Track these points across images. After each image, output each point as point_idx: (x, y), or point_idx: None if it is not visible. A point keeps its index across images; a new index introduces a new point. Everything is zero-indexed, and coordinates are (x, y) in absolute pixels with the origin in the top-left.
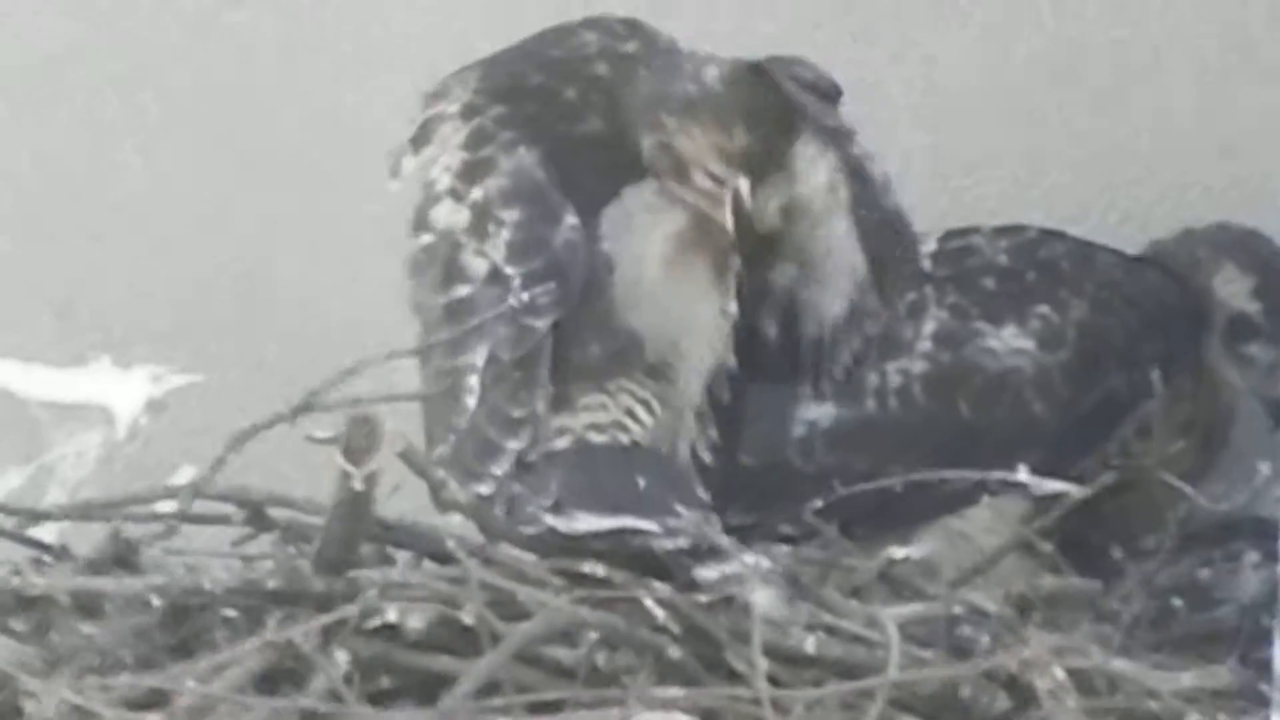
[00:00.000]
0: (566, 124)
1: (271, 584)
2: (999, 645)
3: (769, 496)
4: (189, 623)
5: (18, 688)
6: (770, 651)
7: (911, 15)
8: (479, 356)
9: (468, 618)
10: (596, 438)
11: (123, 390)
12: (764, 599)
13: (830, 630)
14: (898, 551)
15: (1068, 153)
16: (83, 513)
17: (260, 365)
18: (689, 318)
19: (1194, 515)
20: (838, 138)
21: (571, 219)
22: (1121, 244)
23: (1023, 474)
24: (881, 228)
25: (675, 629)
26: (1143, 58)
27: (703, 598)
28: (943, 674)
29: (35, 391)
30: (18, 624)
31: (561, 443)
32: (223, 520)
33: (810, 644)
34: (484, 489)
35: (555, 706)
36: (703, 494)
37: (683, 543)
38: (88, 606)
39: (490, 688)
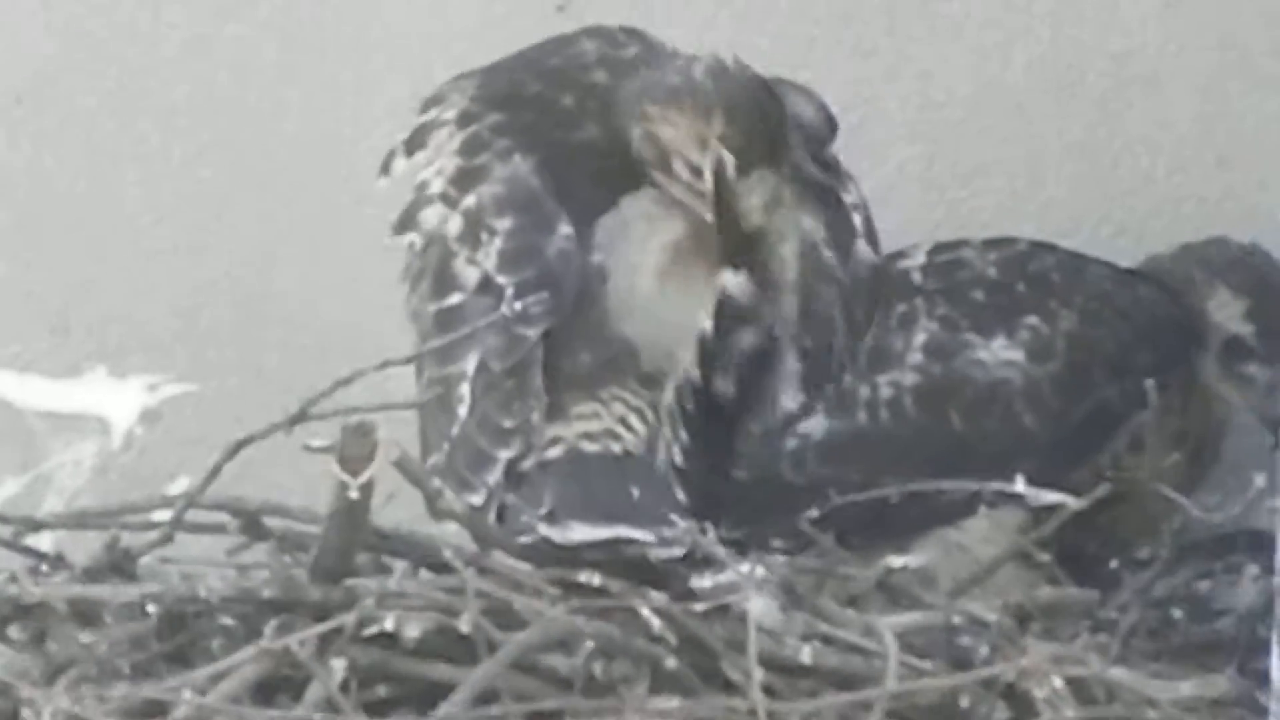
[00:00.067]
0: (563, 132)
1: (267, 593)
2: (997, 655)
3: (760, 510)
4: (185, 631)
5: (15, 696)
6: (766, 661)
7: (907, 29)
8: (470, 365)
9: (464, 626)
10: (589, 447)
11: (118, 400)
12: (760, 608)
13: (827, 640)
14: (895, 561)
15: (1064, 165)
16: (79, 521)
17: (256, 375)
18: (684, 328)
19: (1189, 526)
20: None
21: (566, 228)
22: (1117, 256)
23: (1020, 485)
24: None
25: (671, 639)
26: (1139, 70)
27: (699, 607)
28: (941, 684)
29: (31, 401)
30: (15, 632)
31: (554, 452)
32: (218, 529)
33: (807, 654)
34: (476, 498)
35: (552, 716)
36: (683, 498)
37: (677, 552)
38: (85, 615)
39: (487, 696)
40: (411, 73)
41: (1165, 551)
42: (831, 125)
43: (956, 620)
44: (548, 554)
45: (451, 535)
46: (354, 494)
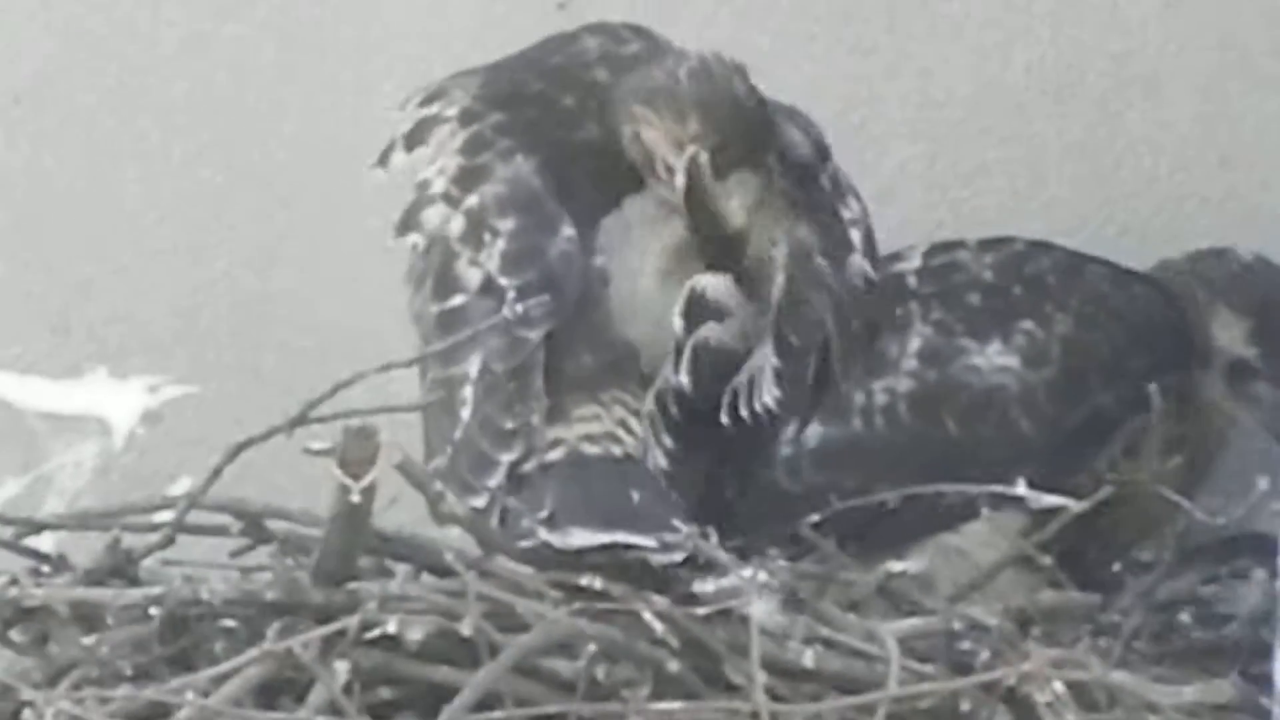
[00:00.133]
0: (565, 131)
1: (270, 595)
2: (998, 659)
3: (755, 518)
4: (187, 634)
5: (17, 699)
6: (769, 665)
7: (908, 28)
8: (472, 367)
9: (466, 630)
10: (590, 449)
11: (119, 401)
12: (762, 612)
13: (829, 644)
14: (896, 565)
15: (1066, 165)
16: (80, 523)
17: (257, 376)
18: None
19: (1192, 529)
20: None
21: (568, 230)
22: (1120, 256)
23: (1021, 488)
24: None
25: (674, 642)
26: (1140, 70)
27: (701, 611)
28: (942, 688)
29: (32, 402)
30: (16, 635)
31: (556, 454)
32: (220, 531)
33: (809, 658)
34: (478, 501)
35: (554, 719)
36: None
37: (678, 557)
38: (86, 617)
39: (490, 700)
40: (411, 72)
41: (1168, 555)
42: (822, 153)
43: (957, 625)
44: (549, 557)
45: (453, 538)
46: (356, 497)
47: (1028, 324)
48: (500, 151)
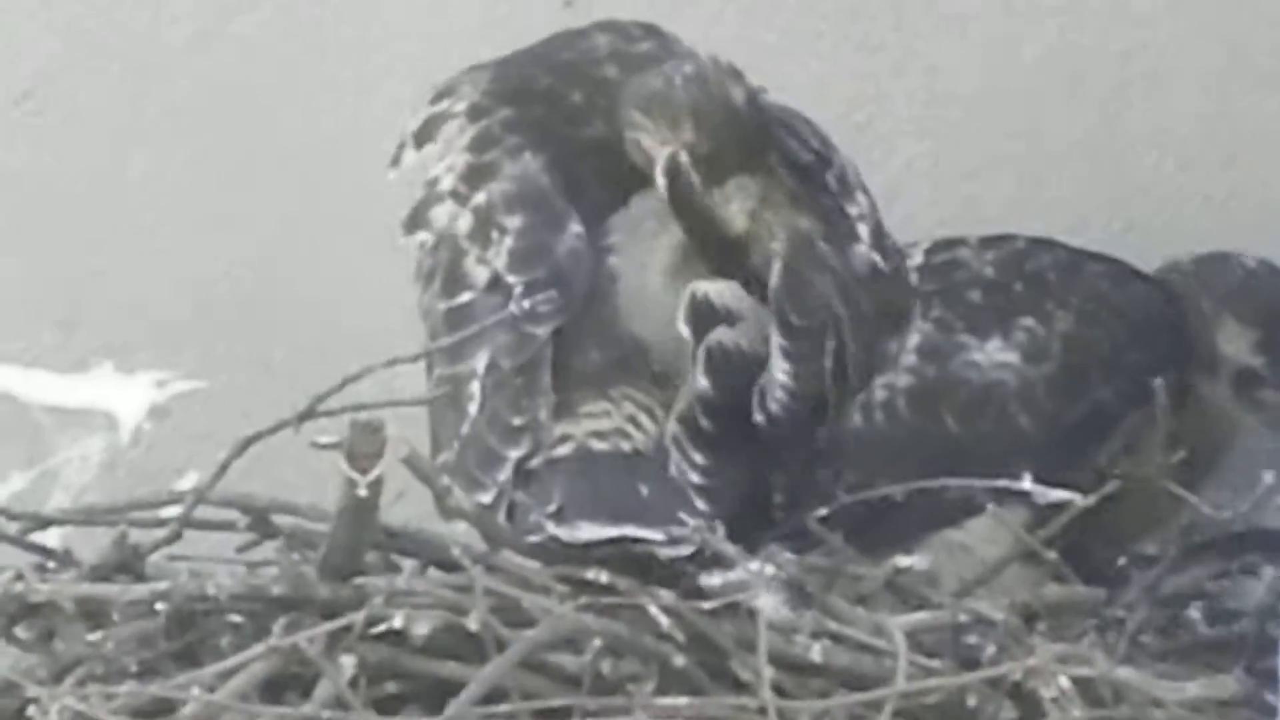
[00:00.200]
0: (573, 128)
1: (276, 590)
2: (1004, 654)
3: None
4: (194, 629)
5: (22, 695)
6: (776, 660)
7: (914, 25)
8: (480, 363)
9: (473, 624)
10: (598, 445)
11: (126, 395)
12: (769, 607)
13: (836, 639)
14: (904, 560)
15: (1070, 162)
16: (87, 518)
17: (264, 371)
18: None
19: (1198, 525)
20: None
21: (576, 227)
22: (1124, 253)
23: (1027, 482)
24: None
25: (680, 637)
26: (1145, 68)
27: (708, 605)
28: (950, 683)
29: (39, 397)
30: (22, 631)
31: (563, 450)
32: (227, 526)
33: (816, 652)
34: (485, 497)
35: (561, 713)
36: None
37: (685, 551)
38: (92, 613)
39: (496, 694)
40: (414, 70)
41: (1173, 550)
42: (825, 155)
43: (964, 619)
44: (556, 552)
45: (460, 533)
46: (363, 491)
47: (1028, 321)
48: (508, 148)
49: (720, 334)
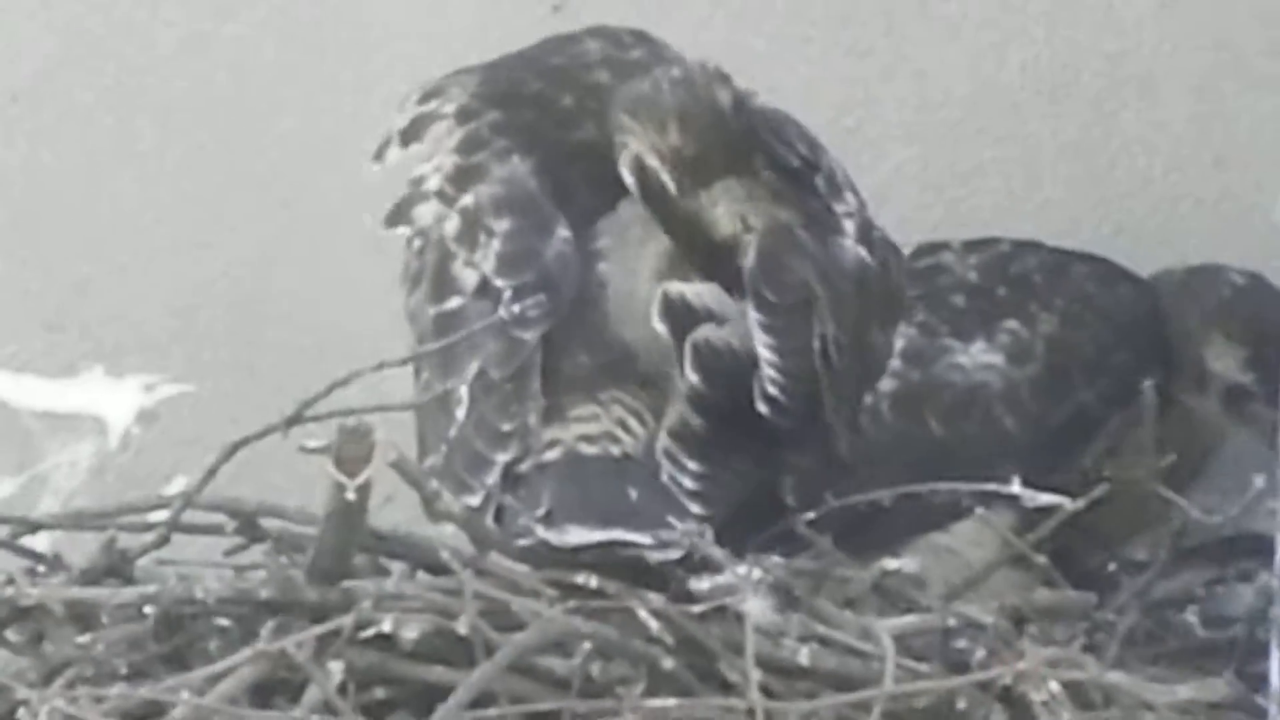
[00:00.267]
0: (562, 132)
1: (265, 594)
2: (994, 658)
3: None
4: (182, 632)
5: (12, 698)
6: (764, 663)
7: (904, 29)
8: (469, 374)
9: (462, 628)
10: (588, 449)
11: (115, 400)
12: (757, 610)
13: (824, 642)
14: (891, 563)
15: (1061, 165)
16: (76, 522)
17: (252, 375)
18: None
19: (1189, 529)
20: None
21: (564, 231)
22: (1114, 256)
23: (1016, 486)
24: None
25: (669, 640)
26: (1134, 70)
27: (696, 609)
28: (938, 686)
29: (27, 401)
30: (11, 634)
31: (552, 454)
32: (215, 530)
33: (804, 655)
34: (473, 500)
35: (550, 717)
36: (698, 510)
37: (675, 554)
38: (82, 616)
39: (485, 698)
40: (410, 72)
41: (1163, 554)
42: (813, 159)
43: (953, 623)
44: (545, 556)
45: (449, 537)
46: (351, 495)
47: (1012, 323)
48: (496, 151)
49: (707, 331)
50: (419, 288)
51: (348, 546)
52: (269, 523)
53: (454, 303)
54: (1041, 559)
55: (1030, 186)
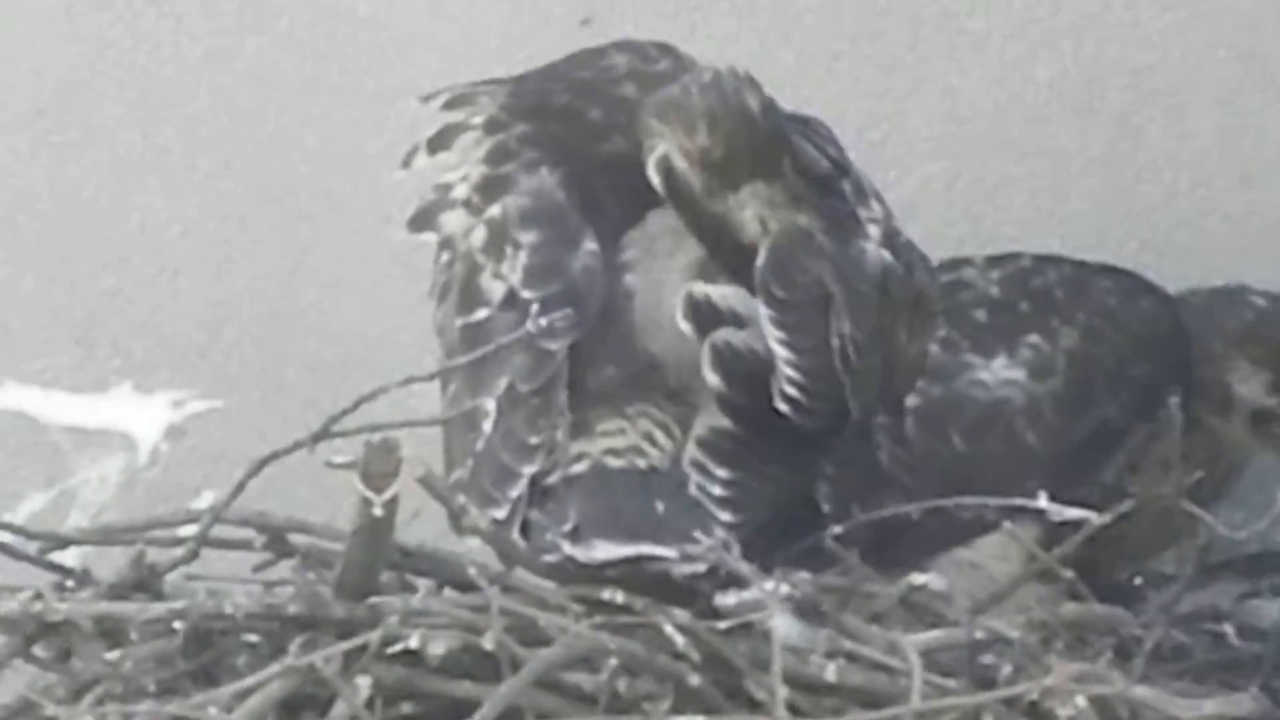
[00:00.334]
0: (590, 144)
1: (293, 609)
2: (1021, 673)
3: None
4: (211, 649)
5: (40, 715)
6: (790, 679)
7: (931, 44)
8: (497, 383)
9: (489, 644)
10: (615, 462)
11: (144, 415)
12: (784, 626)
13: (851, 657)
14: (918, 578)
15: (1087, 180)
16: (104, 537)
17: (280, 390)
18: None
19: (1215, 544)
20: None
21: (591, 244)
22: (1141, 271)
23: (1043, 501)
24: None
25: (695, 656)
26: (1161, 85)
27: (722, 624)
28: (965, 702)
29: (57, 417)
30: (40, 650)
31: (579, 468)
32: (244, 545)
33: (831, 671)
34: (499, 513)
35: None
36: (724, 517)
37: (701, 569)
38: (110, 632)
39: (511, 714)
40: (433, 87)
41: (1189, 568)
42: (840, 164)
43: (979, 638)
44: (572, 571)
45: (475, 552)
46: (378, 511)
47: (1034, 337)
48: (524, 163)
49: (727, 334)
50: (446, 300)
51: (375, 562)
52: (297, 538)
53: (481, 314)
54: (1068, 573)
55: (1057, 201)
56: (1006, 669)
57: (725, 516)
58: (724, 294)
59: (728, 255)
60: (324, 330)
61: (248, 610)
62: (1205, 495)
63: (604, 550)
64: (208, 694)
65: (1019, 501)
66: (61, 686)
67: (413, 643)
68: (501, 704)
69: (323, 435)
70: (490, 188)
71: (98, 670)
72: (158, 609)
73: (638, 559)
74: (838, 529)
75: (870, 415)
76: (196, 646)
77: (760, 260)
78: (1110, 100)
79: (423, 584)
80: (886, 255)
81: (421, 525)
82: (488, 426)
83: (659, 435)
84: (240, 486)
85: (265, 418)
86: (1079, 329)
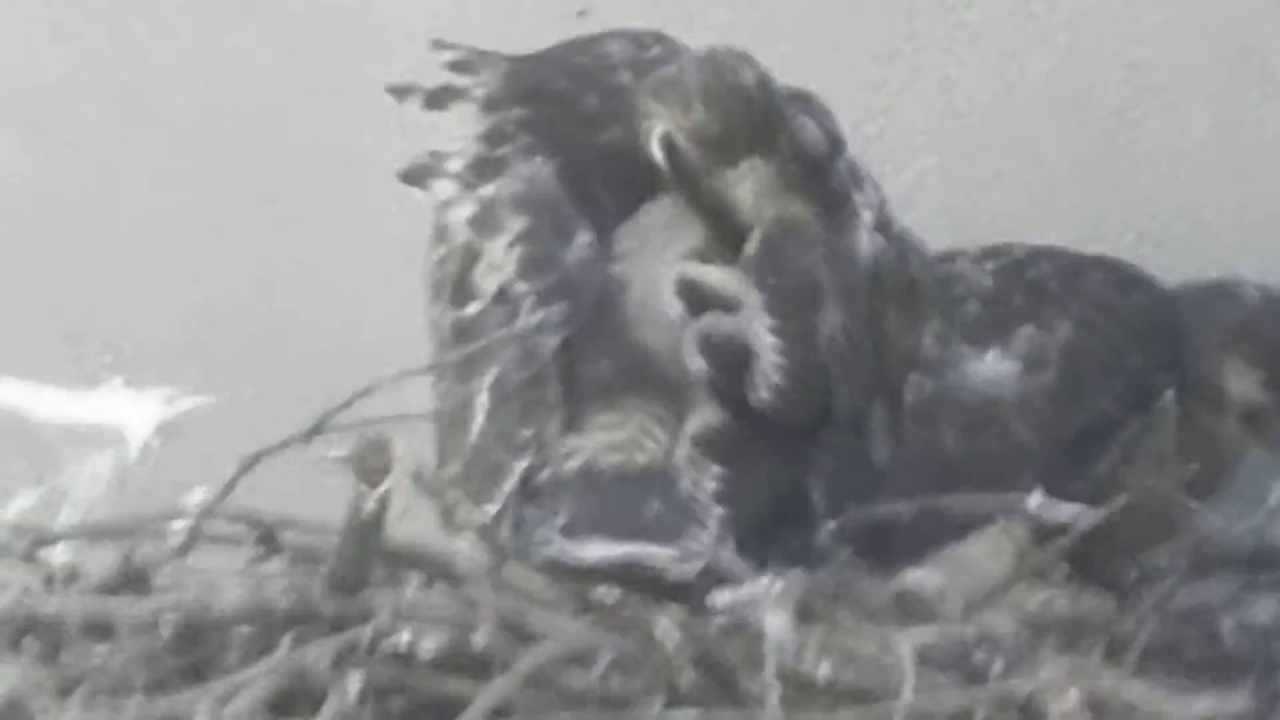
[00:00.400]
0: (585, 133)
1: (283, 606)
2: (1013, 669)
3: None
4: (201, 645)
5: (29, 711)
6: (783, 676)
7: (927, 37)
8: (488, 376)
9: (480, 641)
10: (610, 458)
11: (134, 412)
12: (777, 623)
13: (844, 655)
14: (912, 574)
15: (1082, 174)
16: (94, 534)
17: (272, 387)
18: None
19: (1209, 539)
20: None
21: (585, 235)
22: (1138, 264)
23: (1037, 498)
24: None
25: (688, 653)
26: (1158, 79)
27: (715, 622)
28: (957, 699)
29: (46, 413)
30: (28, 646)
31: (573, 463)
32: (234, 542)
33: (824, 669)
34: (490, 508)
35: None
36: (718, 512)
37: (694, 567)
38: (99, 629)
39: (503, 710)
40: (422, 81)
41: (1183, 564)
42: (836, 142)
43: (972, 634)
44: (564, 569)
45: (467, 548)
46: (370, 506)
47: (1028, 329)
48: (520, 148)
49: (714, 318)
50: (441, 296)
51: (366, 558)
52: (288, 534)
53: (473, 308)
54: (1061, 569)
55: (1052, 195)
56: (999, 666)
57: (719, 510)
58: (716, 276)
59: (727, 233)
60: (316, 326)
61: (238, 606)
62: (1200, 491)
63: (596, 549)
64: (197, 691)
65: (1012, 497)
66: (50, 683)
67: (404, 639)
68: (493, 701)
69: (315, 431)
70: (484, 168)
71: (86, 667)
72: (147, 605)
73: (631, 559)
74: (831, 525)
75: (862, 408)
76: (186, 643)
77: (753, 247)
78: (1107, 94)
79: (414, 580)
80: (880, 241)
81: (413, 520)
82: (479, 421)
83: (654, 429)
84: (231, 483)
85: (257, 414)
86: (1073, 320)
